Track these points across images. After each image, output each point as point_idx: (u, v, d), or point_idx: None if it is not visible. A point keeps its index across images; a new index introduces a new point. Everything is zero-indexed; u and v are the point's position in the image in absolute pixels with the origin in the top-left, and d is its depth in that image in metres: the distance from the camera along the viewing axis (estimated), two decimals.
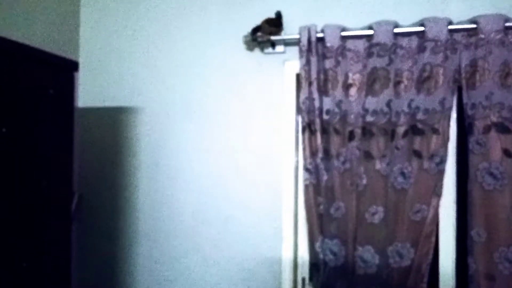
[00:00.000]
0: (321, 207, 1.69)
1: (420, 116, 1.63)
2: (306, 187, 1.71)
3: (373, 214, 1.66)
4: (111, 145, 2.04)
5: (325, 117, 1.70)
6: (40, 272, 1.24)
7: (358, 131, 1.68)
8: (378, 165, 1.66)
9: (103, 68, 2.07)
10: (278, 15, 1.80)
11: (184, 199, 1.94)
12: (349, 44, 1.70)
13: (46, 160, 1.28)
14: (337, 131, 1.70)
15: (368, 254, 1.64)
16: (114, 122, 2.04)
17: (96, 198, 2.03)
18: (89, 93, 2.07)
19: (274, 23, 1.79)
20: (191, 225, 1.92)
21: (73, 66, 1.44)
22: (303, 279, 1.83)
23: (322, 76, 1.71)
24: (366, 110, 1.67)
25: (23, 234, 1.19)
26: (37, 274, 1.23)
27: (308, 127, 1.71)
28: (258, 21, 1.82)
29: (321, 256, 1.67)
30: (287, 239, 1.79)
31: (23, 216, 1.20)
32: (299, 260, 1.83)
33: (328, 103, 1.71)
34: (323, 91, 1.71)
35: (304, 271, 1.83)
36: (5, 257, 1.13)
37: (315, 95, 1.69)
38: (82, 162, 2.01)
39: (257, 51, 1.88)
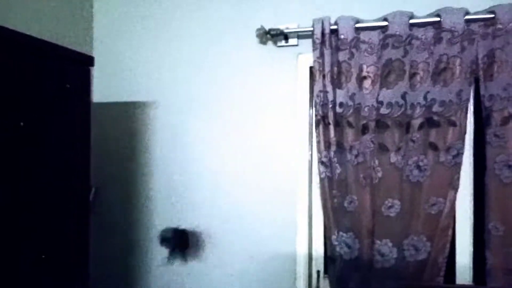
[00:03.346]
0: (335, 200, 1.69)
1: (436, 108, 1.61)
2: (322, 180, 1.71)
3: (389, 207, 1.65)
4: (125, 139, 2.05)
5: (339, 110, 1.69)
6: (58, 264, 1.27)
7: (372, 124, 1.66)
8: (393, 158, 1.65)
9: (116, 64, 2.09)
10: None
11: (197, 193, 1.95)
12: (363, 36, 1.68)
13: (64, 154, 1.30)
14: (350, 124, 1.69)
15: (386, 248, 1.63)
16: (127, 116, 2.06)
17: (111, 192, 2.06)
18: (102, 88, 2.08)
19: None
20: (205, 219, 1.93)
21: (89, 60, 1.45)
22: (318, 272, 1.83)
23: (335, 69, 1.69)
24: (380, 103, 1.65)
25: (42, 227, 1.21)
26: (56, 265, 1.25)
27: (322, 120, 1.70)
28: (271, 14, 1.82)
29: (336, 249, 1.67)
30: (302, 232, 1.79)
31: (41, 209, 1.22)
32: (314, 253, 1.83)
33: (341, 96, 1.69)
34: (337, 84, 1.70)
35: (319, 264, 1.84)
36: (24, 249, 1.15)
37: (329, 88, 1.68)
38: (97, 156, 2.03)
39: (270, 44, 1.88)
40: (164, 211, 2.00)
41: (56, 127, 1.28)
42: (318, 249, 1.83)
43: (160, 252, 1.99)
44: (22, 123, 1.15)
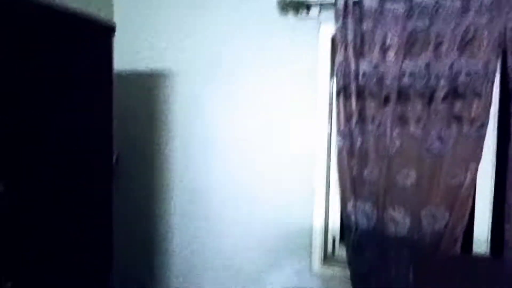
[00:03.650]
0: (354, 170, 1.71)
1: (461, 79, 1.58)
2: (340, 151, 1.72)
3: (405, 177, 1.65)
4: (145, 107, 2.11)
5: (361, 80, 1.68)
6: (84, 227, 1.35)
7: (394, 95, 1.65)
8: (413, 129, 1.64)
9: (137, 33, 2.12)
10: None
11: (217, 161, 2.00)
12: (388, 5, 1.65)
13: (88, 120, 1.35)
14: (372, 95, 1.68)
15: (399, 216, 1.65)
16: (147, 84, 2.10)
17: (133, 158, 2.13)
18: (122, 57, 2.10)
19: None
20: (225, 187, 1.99)
21: (111, 29, 1.48)
22: (334, 239, 1.89)
23: (358, 39, 1.67)
24: (403, 74, 1.64)
25: (69, 187, 1.29)
26: (82, 228, 1.34)
27: (343, 91, 1.70)
28: None
29: (353, 218, 1.71)
30: (319, 201, 1.83)
31: (68, 170, 1.28)
32: (330, 222, 1.88)
33: (364, 66, 1.68)
34: (359, 54, 1.68)
35: (334, 232, 1.89)
36: (52, 213, 1.23)
37: (351, 58, 1.67)
38: (119, 123, 2.08)
39: (291, 15, 1.85)
40: (182, 174, 2.07)
41: (80, 95, 1.32)
42: (335, 218, 1.88)
43: (180, 219, 2.08)
44: (47, 91, 1.20)
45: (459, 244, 1.63)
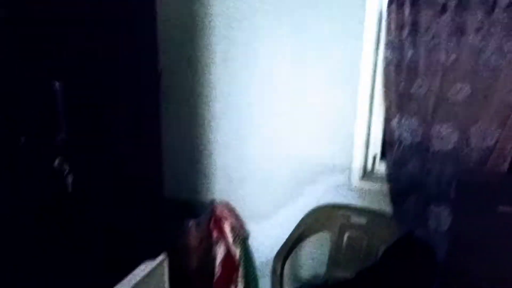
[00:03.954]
0: (402, 85, 1.62)
1: None
2: (388, 64, 1.62)
3: (458, 92, 1.55)
4: (187, 21, 2.01)
5: None
6: (132, 125, 1.39)
7: (452, 2, 1.48)
8: (471, 41, 1.50)
9: None
10: None
11: (260, 72, 1.93)
12: None
13: (133, 36, 1.32)
14: (428, 2, 1.52)
15: (446, 132, 1.59)
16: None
17: (176, 74, 2.10)
18: None
19: None
20: (267, 100, 1.96)
21: None
22: (374, 156, 1.88)
23: None
24: None
25: (118, 104, 1.30)
26: (133, 142, 1.37)
27: None
28: None
29: (396, 134, 1.66)
30: (362, 116, 1.78)
31: (118, 88, 1.29)
32: (372, 138, 1.84)
33: None
34: None
35: (375, 149, 1.86)
36: (105, 126, 1.26)
37: None
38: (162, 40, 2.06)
39: None
40: (224, 83, 2.04)
41: (123, 11, 1.26)
42: (377, 134, 1.84)
43: (222, 137, 2.10)
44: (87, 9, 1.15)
45: (506, 164, 1.57)
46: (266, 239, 2.15)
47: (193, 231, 1.92)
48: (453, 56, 1.54)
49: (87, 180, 1.16)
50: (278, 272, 1.63)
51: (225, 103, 2.07)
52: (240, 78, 2.01)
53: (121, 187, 1.33)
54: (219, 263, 1.99)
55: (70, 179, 1.05)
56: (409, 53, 1.59)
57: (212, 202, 2.15)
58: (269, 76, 1.95)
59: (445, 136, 1.59)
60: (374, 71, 1.76)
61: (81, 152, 1.13)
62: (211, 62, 2.04)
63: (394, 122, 1.67)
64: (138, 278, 1.39)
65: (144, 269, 1.45)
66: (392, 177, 1.72)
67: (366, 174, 1.89)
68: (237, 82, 2.02)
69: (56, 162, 1.02)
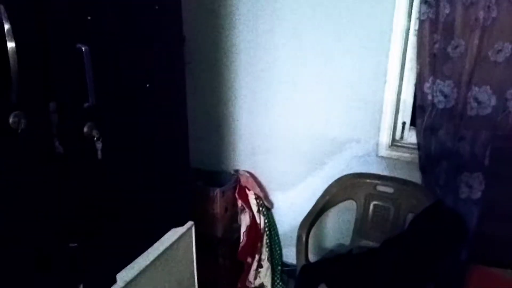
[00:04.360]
0: (437, 45, 1.53)
1: None
2: (422, 23, 1.53)
3: (498, 51, 1.46)
4: None
5: None
6: (160, 92, 1.37)
7: None
8: None
9: None
10: None
11: (284, 41, 1.88)
12: None
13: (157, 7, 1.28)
14: None
15: (484, 95, 1.51)
16: None
17: (200, 43, 2.07)
18: None
19: None
20: (292, 70, 1.91)
21: None
22: (403, 124, 1.81)
23: None
24: None
25: (145, 60, 1.29)
26: (157, 93, 1.37)
27: None
28: None
29: (429, 97, 1.59)
30: (392, 81, 1.71)
31: (140, 53, 1.25)
32: (401, 104, 1.78)
33: None
34: None
35: (405, 116, 1.80)
36: (133, 79, 1.25)
37: None
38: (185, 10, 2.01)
39: None
40: (249, 54, 1.99)
41: None
42: (407, 100, 1.77)
43: (248, 95, 2.07)
44: None
45: None
46: (290, 209, 2.17)
47: (218, 199, 1.93)
48: (493, 13, 1.43)
49: (117, 147, 1.16)
50: (303, 240, 1.63)
51: (250, 74, 2.03)
52: (266, 47, 1.95)
53: (149, 155, 1.33)
54: (244, 231, 2.01)
55: (99, 145, 1.05)
56: (446, 10, 1.49)
57: (237, 172, 2.16)
58: (296, 45, 1.88)
59: (482, 100, 1.51)
60: (407, 32, 1.67)
61: (110, 119, 1.12)
62: (237, 31, 1.99)
63: (427, 85, 1.59)
64: (167, 244, 1.41)
65: (172, 235, 1.47)
66: (422, 144, 1.66)
67: (394, 142, 1.83)
68: (263, 53, 1.96)
69: (85, 128, 1.02)
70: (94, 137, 1.02)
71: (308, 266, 1.60)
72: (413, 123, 1.81)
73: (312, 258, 1.79)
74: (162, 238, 1.40)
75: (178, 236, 1.44)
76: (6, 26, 0.81)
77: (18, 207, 0.90)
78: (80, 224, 1.07)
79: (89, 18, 1.01)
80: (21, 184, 0.90)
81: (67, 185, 1.02)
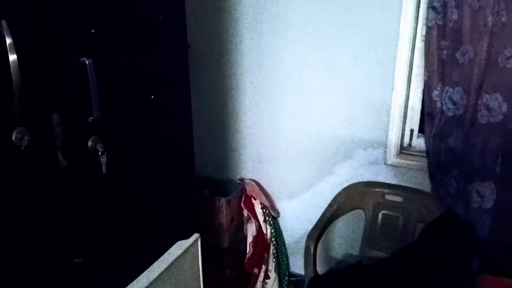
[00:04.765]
0: (445, 51, 1.51)
1: None
2: (429, 29, 1.51)
3: (508, 57, 1.43)
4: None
5: None
6: (164, 103, 1.35)
7: None
8: None
9: None
10: None
11: (290, 40, 1.85)
12: None
13: (162, 11, 1.27)
14: None
15: (494, 102, 1.47)
16: None
17: (203, 51, 2.06)
18: None
19: None
20: (298, 69, 1.89)
21: None
22: (411, 131, 1.78)
23: None
24: None
25: (150, 72, 1.27)
26: (162, 104, 1.34)
27: None
28: None
29: (438, 105, 1.56)
30: (399, 87, 1.68)
31: (145, 64, 1.24)
32: (409, 111, 1.75)
33: None
34: None
35: (413, 123, 1.77)
36: (138, 91, 1.24)
37: None
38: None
39: None
40: (253, 59, 1.97)
41: None
42: (414, 107, 1.74)
43: (253, 96, 2.04)
44: None
45: None
46: (296, 218, 2.13)
47: (224, 209, 1.91)
48: (503, 18, 1.41)
49: (121, 161, 1.14)
50: (311, 251, 1.60)
51: (254, 81, 2.01)
52: (270, 53, 1.93)
53: (154, 167, 1.31)
54: (250, 242, 1.98)
55: (104, 159, 1.03)
56: (454, 16, 1.46)
57: (242, 181, 2.13)
58: (300, 50, 1.86)
59: (492, 107, 1.48)
60: (414, 38, 1.65)
61: (115, 132, 1.10)
62: (240, 34, 1.97)
63: (436, 92, 1.56)
64: (173, 258, 1.38)
65: (178, 248, 1.44)
66: (432, 152, 1.63)
67: (402, 150, 1.80)
68: (267, 58, 1.95)
69: (90, 142, 1.00)
70: (98, 151, 1.00)
71: (316, 279, 1.57)
72: (421, 130, 1.78)
73: (319, 268, 1.76)
74: (168, 252, 1.38)
75: (184, 250, 1.41)
76: (8, 41, 0.80)
77: (21, 223, 0.88)
78: (85, 238, 1.05)
79: (92, 31, 1.00)
80: (24, 199, 0.89)
81: (71, 199, 1.01)
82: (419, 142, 1.79)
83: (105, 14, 1.04)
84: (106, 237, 1.13)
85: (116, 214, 1.16)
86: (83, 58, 0.96)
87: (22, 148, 0.84)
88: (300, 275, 2.18)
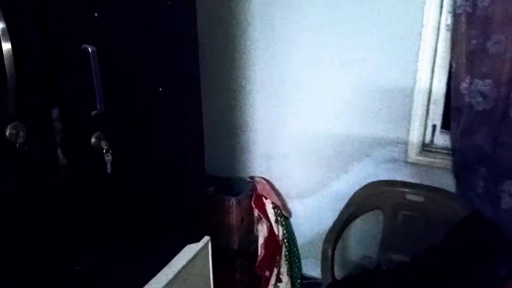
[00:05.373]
0: (474, 41, 1.40)
1: None
2: (458, 16, 1.40)
3: None
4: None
5: None
6: (173, 95, 1.26)
7: None
8: None
9: None
10: None
11: (303, 29, 1.75)
12: None
13: (171, 8, 1.19)
14: None
15: None
16: None
17: (213, 49, 1.96)
18: None
19: None
20: (308, 66, 1.79)
21: None
22: (434, 127, 1.68)
23: None
24: None
25: (158, 62, 1.19)
26: (171, 97, 1.26)
27: None
28: None
29: (466, 99, 1.45)
30: (422, 81, 1.58)
31: (152, 57, 1.15)
32: (432, 106, 1.64)
33: None
34: None
35: (435, 118, 1.66)
36: (145, 82, 1.15)
37: None
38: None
39: None
40: (264, 57, 1.88)
41: None
42: (438, 101, 1.63)
43: (262, 90, 1.95)
44: None
45: None
46: (309, 218, 2.03)
47: (234, 209, 1.81)
48: None
49: (128, 159, 1.04)
50: (329, 256, 1.51)
51: (265, 76, 1.91)
52: (282, 47, 1.83)
53: (162, 166, 1.22)
54: (262, 243, 1.89)
55: (109, 158, 0.94)
56: (484, 2, 1.35)
57: (252, 179, 2.04)
58: (314, 44, 1.76)
59: None
60: (438, 27, 1.54)
61: (121, 128, 1.01)
62: (250, 34, 1.88)
63: (464, 85, 1.45)
64: (182, 263, 1.29)
65: (188, 253, 1.36)
66: (458, 149, 1.53)
67: (425, 147, 1.70)
68: (279, 52, 1.85)
69: (93, 139, 0.91)
70: (103, 149, 0.91)
71: (335, 285, 1.48)
72: (444, 126, 1.68)
73: (336, 272, 1.67)
74: (177, 256, 1.29)
75: (195, 254, 1.32)
76: (1, 25, 0.70)
77: (15, 226, 0.79)
78: (87, 243, 0.96)
79: (96, 14, 0.90)
80: (19, 200, 0.79)
81: (71, 201, 0.92)
82: (442, 139, 1.69)
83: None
84: (111, 242, 1.04)
85: (122, 217, 1.07)
86: (85, 45, 0.86)
87: (17, 145, 0.75)
88: (312, 278, 2.10)
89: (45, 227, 0.86)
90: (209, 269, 1.47)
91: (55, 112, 0.85)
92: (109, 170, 0.93)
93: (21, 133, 0.75)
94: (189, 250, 1.34)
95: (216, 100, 2.04)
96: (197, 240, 1.38)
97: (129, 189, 1.07)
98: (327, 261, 1.51)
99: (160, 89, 1.17)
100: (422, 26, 1.53)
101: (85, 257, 0.96)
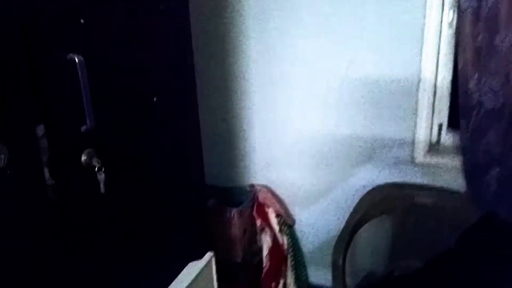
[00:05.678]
0: (480, 38, 1.34)
1: None
2: (463, 13, 1.34)
3: None
4: None
5: None
6: (169, 104, 1.20)
7: None
8: None
9: None
10: None
11: (300, 28, 1.69)
12: None
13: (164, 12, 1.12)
14: None
15: None
16: None
17: (209, 55, 1.88)
18: None
19: None
20: (309, 64, 1.73)
21: None
22: (440, 126, 1.62)
23: None
24: None
25: (151, 70, 1.12)
26: (166, 106, 1.19)
27: None
28: None
29: (475, 97, 1.40)
30: (427, 79, 1.52)
31: (146, 66, 1.09)
32: (437, 104, 1.58)
33: None
34: None
35: (441, 116, 1.61)
36: (138, 93, 1.08)
37: None
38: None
39: None
40: (261, 61, 1.81)
41: None
42: (443, 99, 1.58)
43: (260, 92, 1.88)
44: None
45: None
46: (314, 226, 1.96)
47: (236, 221, 1.74)
48: None
49: (123, 177, 0.97)
50: (340, 265, 1.44)
51: (264, 79, 1.84)
52: (280, 47, 1.76)
53: (160, 181, 1.14)
54: (266, 254, 1.82)
55: (102, 176, 0.87)
56: None
57: (253, 188, 1.96)
58: (313, 43, 1.69)
59: None
60: (441, 23, 1.49)
61: (113, 143, 0.94)
62: (246, 37, 1.81)
63: (472, 83, 1.40)
64: (186, 283, 1.22)
65: (190, 271, 1.28)
66: (468, 149, 1.47)
67: (432, 147, 1.64)
68: (276, 53, 1.78)
69: (84, 156, 0.84)
70: (95, 167, 0.84)
71: None
72: (450, 124, 1.63)
73: (347, 282, 1.60)
74: (180, 276, 1.21)
75: (198, 272, 1.25)
76: None
77: (7, 253, 0.72)
78: (82, 267, 0.89)
79: (82, 21, 0.83)
80: (5, 228, 0.72)
81: (63, 224, 0.84)
82: (449, 138, 1.63)
83: (97, 1, 0.87)
84: (109, 264, 0.97)
85: (118, 237, 1.00)
86: (71, 55, 0.79)
87: None
88: (320, 286, 2.01)
89: (36, 253, 0.78)
90: (213, 287, 1.40)
91: (40, 129, 0.78)
92: (102, 190, 0.85)
93: (2, 156, 0.68)
94: (192, 268, 1.27)
95: (211, 107, 1.95)
96: (200, 256, 1.31)
97: (125, 209, 1.00)
98: (338, 271, 1.44)
99: (155, 99, 1.10)
100: (424, 22, 1.48)
101: (82, 280, 0.89)
